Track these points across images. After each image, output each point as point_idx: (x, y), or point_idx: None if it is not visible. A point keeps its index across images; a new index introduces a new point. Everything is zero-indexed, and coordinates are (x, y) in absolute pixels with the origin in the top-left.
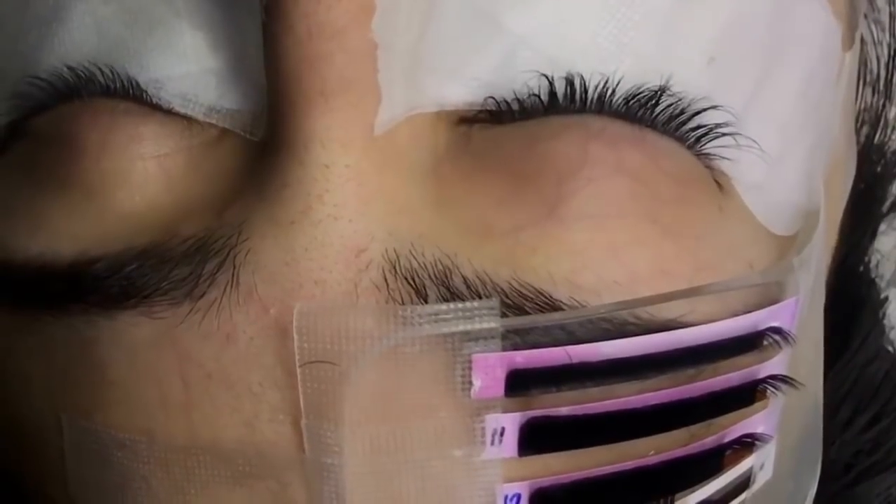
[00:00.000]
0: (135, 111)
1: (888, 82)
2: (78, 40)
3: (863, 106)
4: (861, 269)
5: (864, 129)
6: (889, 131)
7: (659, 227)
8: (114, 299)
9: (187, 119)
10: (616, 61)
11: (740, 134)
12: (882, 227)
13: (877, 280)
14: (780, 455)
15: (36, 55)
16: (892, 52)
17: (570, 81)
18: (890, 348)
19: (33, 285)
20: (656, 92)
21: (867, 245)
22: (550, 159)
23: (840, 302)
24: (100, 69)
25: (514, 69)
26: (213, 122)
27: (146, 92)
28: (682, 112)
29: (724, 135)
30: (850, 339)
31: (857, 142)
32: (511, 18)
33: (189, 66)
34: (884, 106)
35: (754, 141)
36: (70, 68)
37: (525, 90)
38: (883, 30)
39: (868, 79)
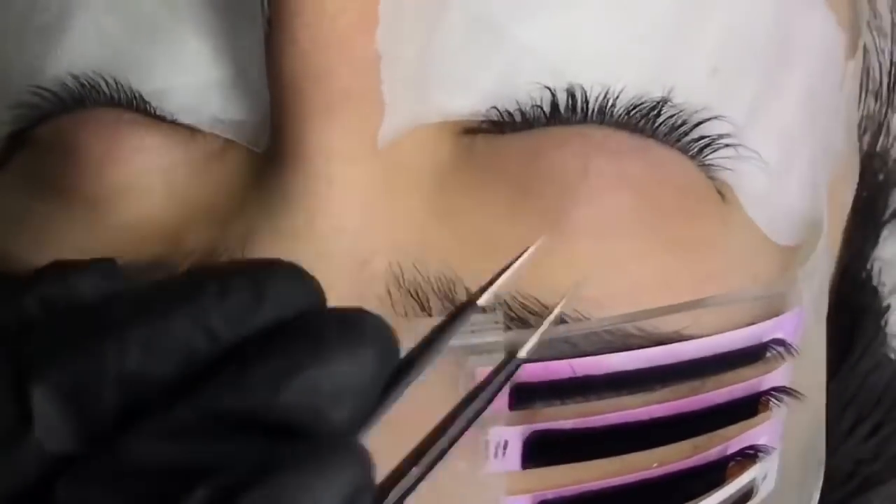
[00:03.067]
0: (138, 122)
1: (890, 90)
2: (81, 50)
3: (865, 114)
4: (863, 277)
5: (867, 137)
6: (892, 139)
7: (661, 239)
8: None
9: (191, 130)
10: (619, 72)
11: (742, 145)
12: (884, 234)
13: (879, 288)
14: (783, 466)
15: (39, 65)
16: (894, 60)
17: (571, 93)
18: (892, 356)
19: None
20: (658, 103)
21: (869, 253)
22: (552, 172)
23: (842, 310)
24: (104, 79)
25: (518, 79)
26: (217, 133)
27: (149, 103)
28: (683, 123)
29: (726, 145)
30: (852, 347)
31: (860, 150)
32: (515, 29)
33: (192, 77)
34: (886, 114)
35: (756, 152)
36: (74, 77)
37: (528, 101)
38: (885, 38)
39: (870, 87)
